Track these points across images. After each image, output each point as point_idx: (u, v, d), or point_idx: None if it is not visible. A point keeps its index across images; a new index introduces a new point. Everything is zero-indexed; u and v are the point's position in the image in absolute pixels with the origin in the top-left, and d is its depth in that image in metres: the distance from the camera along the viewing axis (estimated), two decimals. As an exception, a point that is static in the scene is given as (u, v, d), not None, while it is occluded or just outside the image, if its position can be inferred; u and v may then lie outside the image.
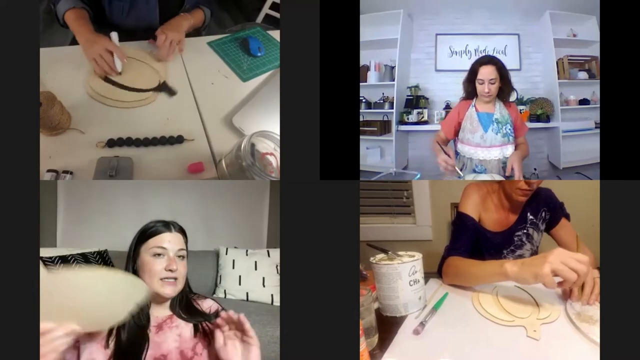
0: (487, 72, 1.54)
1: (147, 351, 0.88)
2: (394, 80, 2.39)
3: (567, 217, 1.48)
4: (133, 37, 1.65)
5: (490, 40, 2.41)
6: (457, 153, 1.64)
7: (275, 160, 1.20)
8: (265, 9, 2.97)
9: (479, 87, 1.57)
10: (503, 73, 1.56)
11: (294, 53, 1.23)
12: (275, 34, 1.89)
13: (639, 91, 1.15)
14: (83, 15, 1.55)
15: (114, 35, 1.47)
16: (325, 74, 1.20)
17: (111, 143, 1.28)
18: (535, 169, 2.25)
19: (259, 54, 1.75)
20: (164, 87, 1.49)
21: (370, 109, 2.47)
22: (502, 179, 1.49)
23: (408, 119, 2.38)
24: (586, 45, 2.41)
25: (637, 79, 1.15)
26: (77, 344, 0.90)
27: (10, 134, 1.12)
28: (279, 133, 1.20)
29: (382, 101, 2.44)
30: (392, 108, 2.38)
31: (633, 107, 1.15)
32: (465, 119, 1.60)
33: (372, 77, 2.46)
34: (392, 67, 2.41)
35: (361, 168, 1.31)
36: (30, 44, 1.17)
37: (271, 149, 1.20)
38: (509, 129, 1.58)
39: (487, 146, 1.58)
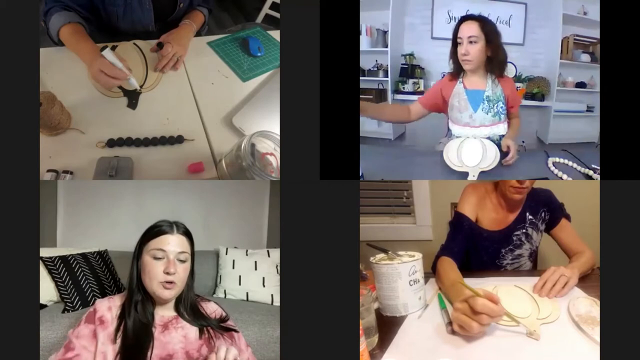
0: (467, 29, 1.28)
1: (152, 350, 0.88)
2: (387, 47, 2.21)
3: (568, 217, 1.48)
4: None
5: (495, 7, 2.16)
6: (449, 131, 1.54)
7: (275, 160, 1.20)
8: (265, 9, 2.97)
9: (459, 51, 1.33)
10: (490, 35, 1.30)
11: (294, 53, 1.22)
12: (275, 34, 1.89)
13: (639, 92, 1.15)
14: (79, 30, 1.47)
15: (107, 53, 1.31)
16: (325, 74, 1.20)
17: (111, 143, 1.28)
18: (523, 142, 2.15)
19: (259, 54, 1.75)
20: (132, 96, 1.43)
21: (364, 76, 2.30)
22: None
23: (404, 88, 2.26)
24: (594, 27, 2.26)
25: (637, 80, 1.15)
26: (95, 333, 0.90)
27: (10, 134, 1.12)
28: (279, 133, 1.21)
29: (375, 69, 2.29)
30: (387, 76, 2.23)
31: (633, 108, 1.15)
32: (452, 96, 1.45)
33: (363, 42, 2.24)
34: (385, 32, 2.23)
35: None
36: (30, 44, 1.17)
37: (271, 149, 1.20)
38: (501, 107, 1.42)
39: (476, 126, 1.45)
